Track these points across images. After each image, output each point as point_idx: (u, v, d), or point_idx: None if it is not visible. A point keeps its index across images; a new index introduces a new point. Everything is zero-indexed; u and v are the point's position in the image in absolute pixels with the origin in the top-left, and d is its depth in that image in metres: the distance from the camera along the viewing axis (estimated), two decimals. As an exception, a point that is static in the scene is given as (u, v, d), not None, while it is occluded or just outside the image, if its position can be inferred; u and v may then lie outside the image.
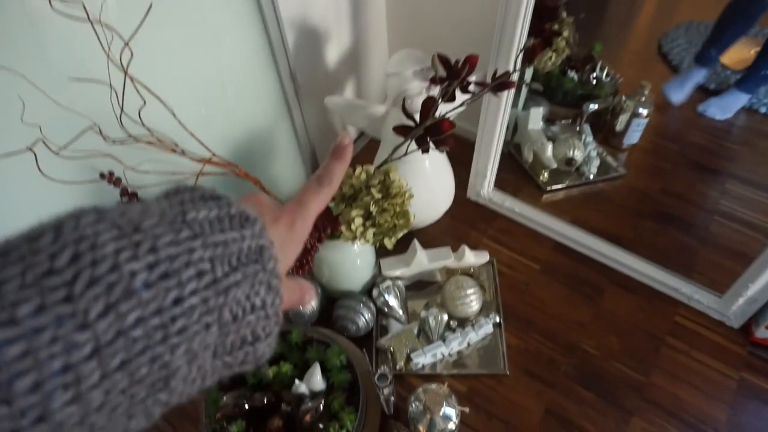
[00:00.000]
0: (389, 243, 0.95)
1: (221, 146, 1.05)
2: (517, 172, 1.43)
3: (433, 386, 0.92)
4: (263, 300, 0.29)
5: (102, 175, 0.79)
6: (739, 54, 1.60)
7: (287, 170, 1.29)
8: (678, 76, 1.71)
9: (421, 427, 0.90)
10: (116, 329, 0.22)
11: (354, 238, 0.92)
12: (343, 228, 0.92)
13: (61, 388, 0.21)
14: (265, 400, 0.97)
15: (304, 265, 0.92)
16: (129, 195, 0.82)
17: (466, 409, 0.92)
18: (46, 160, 0.71)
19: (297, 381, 0.97)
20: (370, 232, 0.92)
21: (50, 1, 0.59)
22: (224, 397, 0.96)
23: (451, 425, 0.90)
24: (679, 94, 1.64)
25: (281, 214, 0.35)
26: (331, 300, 1.14)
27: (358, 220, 0.91)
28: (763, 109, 1.49)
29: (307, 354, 1.03)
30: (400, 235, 0.95)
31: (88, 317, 0.22)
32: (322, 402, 0.94)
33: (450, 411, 0.89)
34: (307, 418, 0.93)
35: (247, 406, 0.96)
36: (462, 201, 1.34)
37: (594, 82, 1.55)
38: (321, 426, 0.94)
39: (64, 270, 0.22)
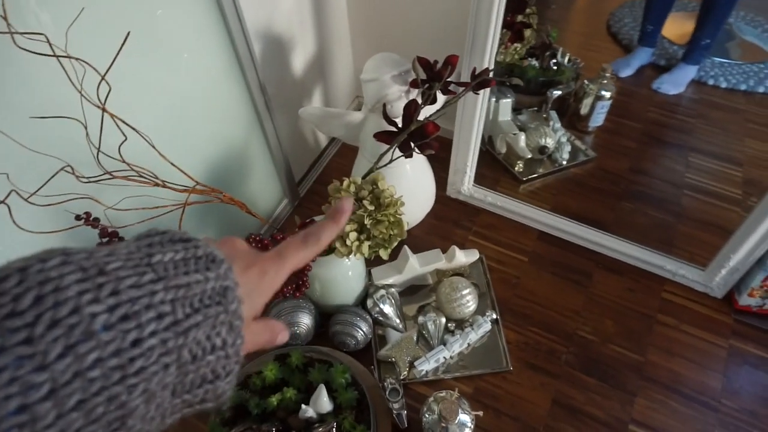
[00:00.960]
0: (385, 254, 0.93)
1: (199, 171, 1.00)
2: (492, 165, 1.43)
3: (444, 393, 0.91)
4: (224, 340, 0.30)
5: (78, 217, 0.74)
6: (681, 28, 1.66)
7: (263, 186, 1.25)
8: (625, 57, 1.76)
9: (436, 437, 0.89)
10: (74, 370, 0.23)
11: (350, 253, 0.90)
12: (337, 244, 0.90)
13: (16, 428, 0.22)
14: (274, 430, 0.94)
15: (301, 287, 0.89)
16: (109, 235, 0.76)
17: (480, 413, 0.91)
18: (17, 208, 0.65)
19: (303, 406, 0.94)
20: (366, 245, 0.90)
21: (13, 38, 0.53)
22: (230, 433, 0.92)
23: (467, 431, 0.89)
24: (626, 70, 1.69)
25: (256, 260, 0.36)
26: (326, 316, 1.11)
27: (353, 235, 0.88)
28: (711, 81, 1.56)
29: (309, 376, 1.00)
30: (395, 244, 0.93)
31: (47, 358, 0.22)
32: (334, 425, 0.92)
33: (465, 418, 0.89)
34: (320, 444, 0.90)
35: (254, 439, 0.93)
36: (443, 199, 1.33)
37: (555, 68, 1.57)
38: (335, 449, 0.92)
39: (26, 312, 0.23)
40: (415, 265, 1.11)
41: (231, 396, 0.96)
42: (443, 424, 0.87)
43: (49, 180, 0.67)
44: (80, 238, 0.80)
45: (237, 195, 0.90)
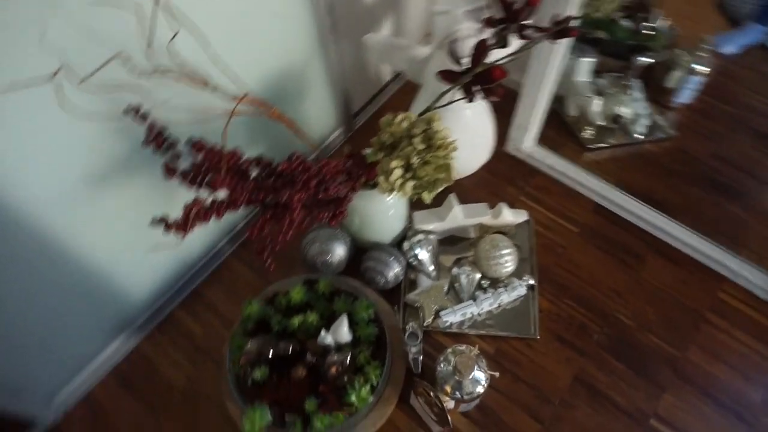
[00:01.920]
0: (428, 197, 0.89)
1: (253, 83, 0.98)
2: (558, 127, 1.35)
3: (463, 348, 0.89)
4: None
5: (127, 111, 0.74)
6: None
7: (318, 111, 1.22)
8: (734, 31, 1.58)
9: (447, 388, 0.87)
10: None
11: (392, 190, 0.87)
12: (380, 179, 0.87)
13: None
14: (290, 349, 0.95)
15: (337, 216, 0.87)
16: (156, 134, 0.77)
17: (497, 374, 0.89)
18: (67, 93, 0.66)
19: (323, 332, 0.95)
20: (410, 184, 0.86)
21: None
22: (249, 343, 0.94)
23: (480, 389, 0.87)
24: (730, 46, 1.52)
25: None
26: (360, 250, 1.10)
27: (398, 172, 0.85)
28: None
29: (334, 305, 1.00)
30: (440, 189, 0.89)
31: None
32: (349, 355, 0.92)
33: (480, 375, 0.87)
34: (334, 370, 0.91)
35: (271, 354, 0.94)
36: (500, 155, 1.27)
37: (648, 32, 1.43)
38: (346, 379, 0.92)
39: None
40: (459, 216, 1.07)
41: (257, 310, 0.98)
42: (457, 377, 0.86)
43: (102, 66, 0.67)
44: (125, 134, 0.81)
45: (289, 116, 0.88)
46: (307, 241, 1.07)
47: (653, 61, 1.40)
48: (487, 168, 1.24)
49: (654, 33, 1.43)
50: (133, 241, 0.95)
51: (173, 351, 1.09)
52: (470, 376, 0.85)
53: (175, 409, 1.02)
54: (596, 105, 1.32)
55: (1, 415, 0.92)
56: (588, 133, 1.33)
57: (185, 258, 1.12)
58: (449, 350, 0.89)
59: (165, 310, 1.12)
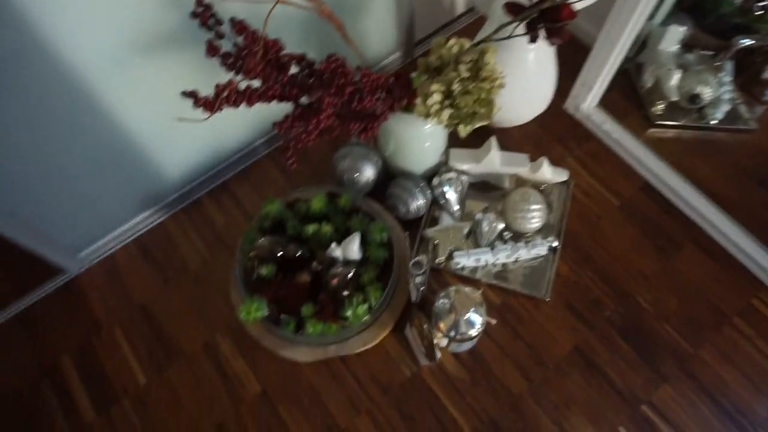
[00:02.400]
0: (463, 130, 0.86)
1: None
2: (627, 94, 1.25)
3: (467, 289, 0.88)
4: None
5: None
6: None
7: (379, 31, 1.18)
8: None
9: (442, 325, 0.87)
10: None
11: (427, 115, 0.84)
12: (418, 100, 0.84)
13: None
14: (299, 253, 0.97)
15: (368, 130, 0.85)
16: (205, 5, 0.76)
17: (493, 321, 0.88)
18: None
19: (334, 244, 0.96)
20: (447, 112, 0.83)
21: None
22: (262, 239, 0.97)
23: (473, 332, 0.86)
24: None
25: None
26: (389, 176, 1.09)
27: (437, 96, 0.81)
28: None
29: (350, 222, 1.00)
30: (477, 124, 0.85)
31: None
32: (353, 271, 0.93)
33: (476, 318, 0.86)
34: (334, 282, 0.92)
35: (280, 254, 0.96)
36: (556, 111, 1.20)
37: (759, 12, 1.28)
38: (345, 293, 0.93)
39: None
40: (496, 161, 1.03)
41: (276, 210, 0.99)
42: (452, 315, 0.85)
43: None
44: (176, 6, 0.80)
45: (348, 27, 0.85)
46: (340, 155, 1.07)
47: (755, 45, 1.26)
48: (538, 121, 1.18)
49: (766, 15, 1.28)
50: (172, 120, 0.97)
51: (194, 233, 1.13)
52: (466, 317, 0.84)
53: (185, 284, 1.08)
54: (675, 79, 1.22)
55: (34, 258, 0.99)
56: (658, 107, 1.23)
57: (220, 149, 1.14)
58: (453, 288, 0.89)
59: (193, 194, 1.16)
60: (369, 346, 0.96)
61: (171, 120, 0.78)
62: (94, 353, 1.03)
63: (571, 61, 1.14)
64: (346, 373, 0.98)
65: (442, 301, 0.88)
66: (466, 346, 0.94)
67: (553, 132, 1.19)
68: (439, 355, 0.91)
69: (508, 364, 0.97)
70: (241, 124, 1.13)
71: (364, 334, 0.96)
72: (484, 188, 1.12)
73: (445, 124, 0.85)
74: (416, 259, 0.86)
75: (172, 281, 1.08)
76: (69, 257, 1.06)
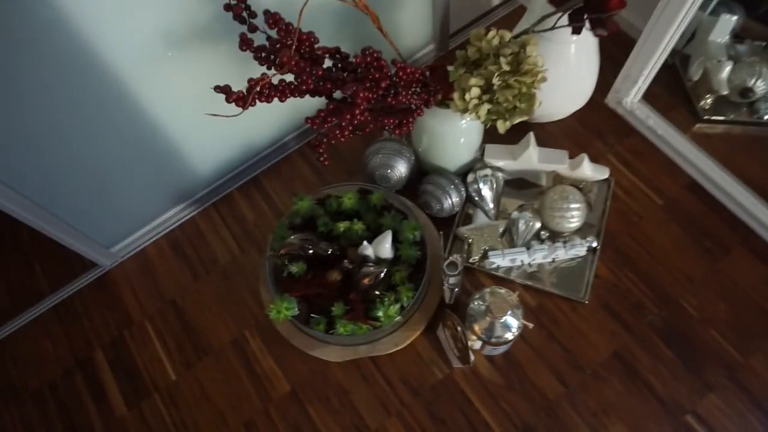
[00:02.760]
0: (502, 126, 0.82)
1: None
2: (672, 88, 1.19)
3: (503, 291, 0.85)
4: None
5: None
6: None
7: (411, 17, 1.14)
8: None
9: (476, 327, 0.84)
10: None
11: (465, 110, 0.81)
12: (455, 95, 0.81)
13: None
14: (330, 251, 0.95)
15: (403, 126, 0.83)
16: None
17: (530, 325, 0.85)
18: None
19: (365, 242, 0.94)
20: (485, 108, 0.80)
21: None
22: (292, 237, 0.95)
23: (509, 335, 0.83)
24: None
25: None
26: (422, 172, 1.06)
27: (475, 91, 0.78)
28: None
29: (382, 219, 0.98)
30: (517, 120, 0.82)
31: None
32: (385, 271, 0.91)
33: (512, 321, 0.83)
34: (366, 281, 0.90)
35: (311, 251, 0.95)
36: (597, 105, 1.15)
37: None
38: (377, 293, 0.91)
39: None
40: (533, 158, 0.99)
41: (307, 206, 0.98)
42: (488, 318, 0.82)
43: None
44: (209, 4, 0.79)
45: (384, 23, 0.82)
46: (372, 151, 1.04)
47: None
48: (578, 116, 1.14)
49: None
50: (204, 115, 0.96)
51: (224, 230, 1.12)
52: (502, 320, 0.81)
53: (214, 280, 1.07)
54: (726, 71, 1.15)
55: (69, 252, 1.00)
56: (706, 102, 1.17)
57: (251, 144, 1.13)
58: (487, 289, 0.86)
59: (223, 189, 1.15)
60: (400, 347, 0.94)
61: (202, 115, 0.77)
62: (126, 347, 1.03)
63: (614, 54, 1.09)
64: (376, 373, 0.96)
65: (477, 302, 0.85)
66: (501, 349, 0.91)
67: (593, 127, 1.14)
68: (472, 357, 0.88)
69: (543, 368, 0.94)
70: (273, 119, 1.11)
71: (396, 335, 0.94)
72: (520, 185, 1.08)
73: (483, 120, 0.82)
74: (451, 259, 0.83)
75: (202, 277, 1.08)
76: (102, 252, 1.07)
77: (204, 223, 1.13)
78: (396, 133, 0.83)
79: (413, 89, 0.82)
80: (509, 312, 0.81)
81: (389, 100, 0.80)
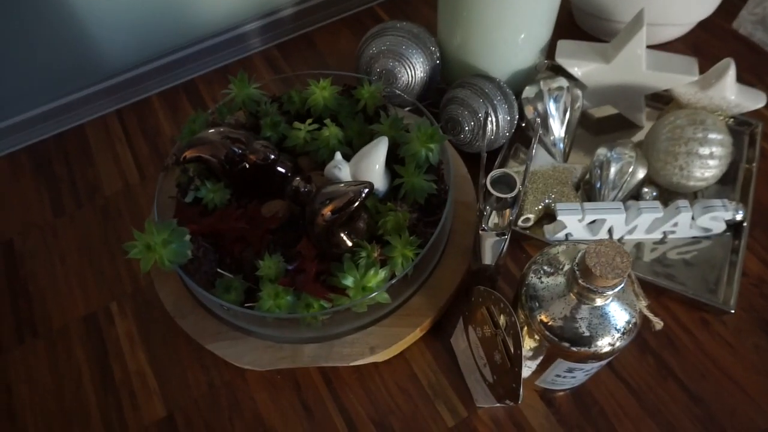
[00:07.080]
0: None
1: None
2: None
3: (614, 243, 0.41)
4: None
5: None
6: None
7: None
8: None
9: (544, 317, 0.40)
10: None
11: None
12: None
13: None
14: (273, 157, 0.52)
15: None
16: None
17: (660, 324, 0.40)
18: None
19: (338, 156, 0.51)
20: None
21: None
22: (210, 131, 0.52)
23: (610, 340, 0.39)
24: None
25: None
26: (448, 82, 0.65)
27: None
28: None
29: (374, 126, 0.56)
30: None
31: None
32: (366, 192, 0.47)
33: (624, 310, 0.39)
34: (327, 211, 0.46)
35: (240, 160, 0.52)
36: (717, 29, 0.75)
37: None
38: (348, 241, 0.48)
39: None
40: (641, 61, 0.58)
41: (248, 94, 0.55)
42: (583, 282, 0.38)
43: None
44: None
45: None
46: (372, 33, 0.64)
47: None
48: (704, 26, 0.74)
49: None
50: None
51: (123, 146, 0.73)
52: (615, 290, 0.37)
53: (86, 218, 0.66)
54: None
55: None
56: None
57: (190, 24, 0.73)
58: (560, 246, 0.42)
59: (137, 88, 0.75)
60: (380, 358, 0.49)
61: None
62: None
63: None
64: (330, 403, 0.51)
65: (546, 269, 0.41)
66: (579, 376, 0.46)
67: (730, 48, 0.73)
68: (522, 391, 0.43)
69: (649, 428, 0.49)
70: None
71: (374, 332, 0.49)
72: (607, 124, 0.67)
73: None
74: (500, 172, 0.40)
75: (69, 211, 0.66)
76: None
77: (95, 133, 0.72)
78: None
79: None
80: (620, 286, 0.37)
81: None
